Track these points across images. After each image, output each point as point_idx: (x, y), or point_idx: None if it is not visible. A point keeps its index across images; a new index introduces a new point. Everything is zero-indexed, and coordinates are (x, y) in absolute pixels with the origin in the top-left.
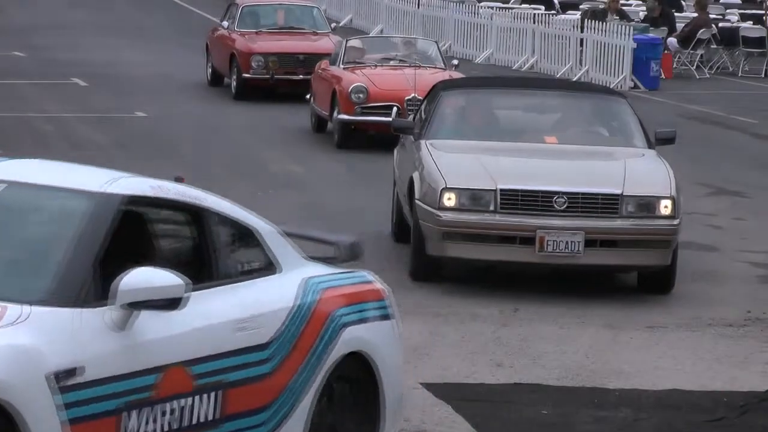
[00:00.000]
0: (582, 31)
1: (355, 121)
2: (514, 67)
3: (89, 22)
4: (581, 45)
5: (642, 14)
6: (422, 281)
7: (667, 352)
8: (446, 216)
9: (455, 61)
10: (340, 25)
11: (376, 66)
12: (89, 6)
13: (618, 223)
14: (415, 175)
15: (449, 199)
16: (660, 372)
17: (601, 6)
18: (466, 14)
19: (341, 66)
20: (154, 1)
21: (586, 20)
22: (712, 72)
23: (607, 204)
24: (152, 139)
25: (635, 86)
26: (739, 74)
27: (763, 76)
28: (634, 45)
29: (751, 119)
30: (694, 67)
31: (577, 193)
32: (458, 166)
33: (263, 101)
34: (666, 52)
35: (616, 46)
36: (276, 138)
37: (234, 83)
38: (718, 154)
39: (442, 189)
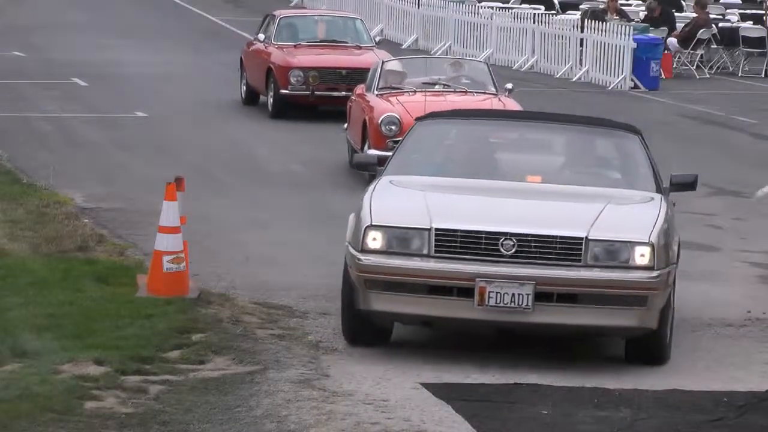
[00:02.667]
0: (582, 31)
1: (386, 157)
2: (514, 67)
3: (89, 22)
4: (581, 45)
5: (642, 14)
6: (362, 346)
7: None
8: (368, 260)
9: (509, 86)
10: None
11: (415, 92)
12: (89, 6)
13: (579, 273)
14: (351, 216)
15: (374, 240)
16: (660, 372)
17: (601, 6)
18: (466, 14)
19: (375, 92)
20: (154, 1)
21: (586, 20)
22: (712, 72)
23: (566, 250)
24: (152, 139)
25: (635, 86)
26: (739, 74)
27: (763, 76)
28: (634, 45)
29: (751, 119)
30: (694, 67)
31: (529, 236)
32: (395, 202)
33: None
34: (666, 52)
35: (616, 46)
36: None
37: (271, 100)
38: (718, 154)
39: (367, 227)
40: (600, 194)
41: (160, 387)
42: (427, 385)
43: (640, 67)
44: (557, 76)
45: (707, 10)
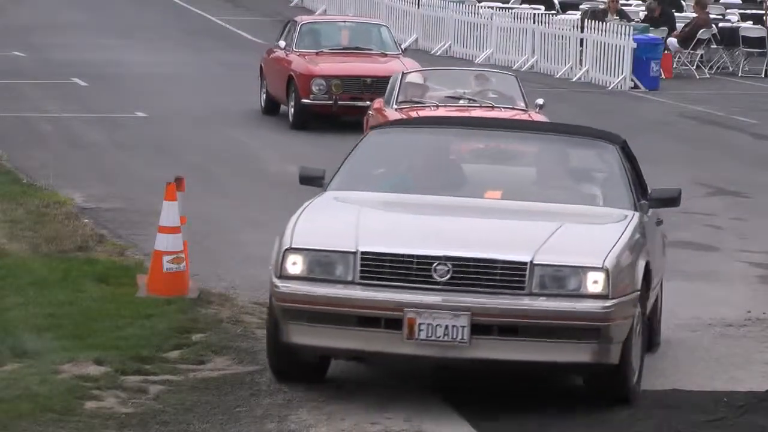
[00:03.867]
0: (582, 31)
1: None
2: (514, 67)
3: (89, 22)
4: (581, 45)
5: (642, 14)
6: (292, 382)
7: (667, 352)
8: (287, 287)
9: (540, 101)
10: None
11: (437, 107)
12: (89, 6)
13: (522, 302)
14: (277, 239)
15: (294, 264)
16: (660, 372)
17: (601, 6)
18: (466, 14)
19: (394, 106)
20: (154, 1)
21: (586, 20)
22: (712, 72)
23: (508, 276)
24: (152, 139)
25: (635, 86)
26: (739, 74)
27: (763, 76)
28: (634, 45)
29: (751, 119)
30: (694, 67)
31: (466, 260)
32: (323, 221)
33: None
34: (666, 52)
35: (616, 46)
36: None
37: (292, 110)
38: (718, 154)
39: (286, 250)
40: (562, 212)
41: (160, 387)
42: (427, 385)
43: (640, 67)
44: (557, 76)
45: (707, 10)
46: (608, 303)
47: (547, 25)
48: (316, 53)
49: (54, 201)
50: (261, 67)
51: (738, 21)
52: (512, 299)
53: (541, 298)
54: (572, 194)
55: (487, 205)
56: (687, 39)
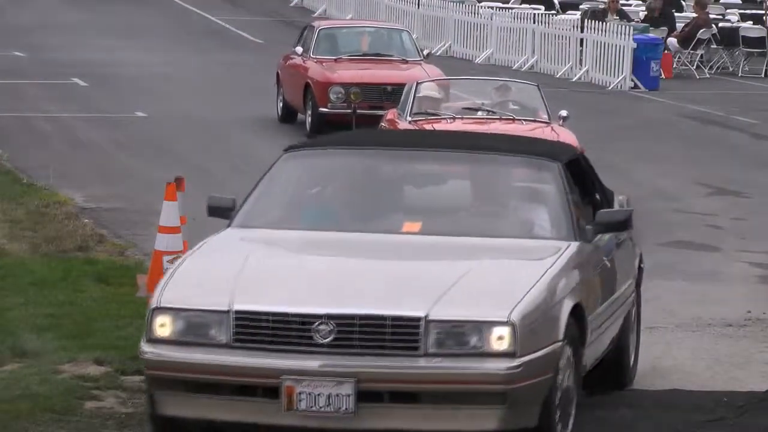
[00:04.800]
0: (582, 31)
1: None
2: (514, 67)
3: (89, 22)
4: (581, 45)
5: (642, 14)
6: None
7: (667, 352)
8: (154, 353)
9: (564, 113)
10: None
11: (453, 119)
12: (89, 6)
13: (416, 364)
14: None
15: (162, 326)
16: (660, 372)
17: (601, 6)
18: (466, 14)
19: (408, 118)
20: (154, 1)
21: (586, 20)
22: (712, 72)
23: (400, 334)
24: (152, 139)
25: (635, 86)
26: (739, 74)
27: (763, 76)
28: (634, 45)
29: (751, 119)
30: (694, 67)
31: (351, 317)
32: (202, 271)
33: None
34: (666, 52)
35: (616, 46)
36: None
37: (309, 119)
38: (718, 154)
39: (154, 309)
40: (484, 248)
41: None
42: None
43: (640, 67)
44: (557, 76)
45: (707, 10)
46: (515, 362)
47: (547, 25)
48: (335, 60)
49: (54, 201)
50: (277, 74)
51: (738, 21)
52: (405, 361)
53: (437, 358)
54: (500, 225)
55: (399, 242)
56: (687, 39)
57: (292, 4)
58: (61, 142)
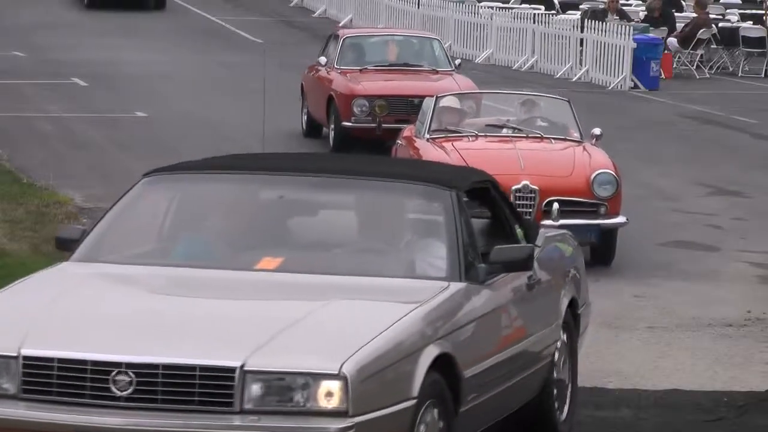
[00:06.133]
0: (582, 31)
1: None
2: (514, 67)
3: (89, 22)
4: (581, 45)
5: (642, 14)
6: None
7: (667, 352)
8: None
9: (597, 131)
10: (340, 25)
11: (476, 137)
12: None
13: (232, 423)
14: None
15: None
16: (660, 372)
17: (601, 6)
18: (466, 14)
19: (426, 135)
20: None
21: (586, 20)
22: (712, 72)
23: (212, 387)
24: (152, 140)
25: (635, 86)
26: (739, 74)
27: (763, 76)
28: (634, 45)
29: (751, 119)
30: (694, 67)
31: (154, 366)
32: (5, 309)
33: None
34: (666, 52)
35: (616, 46)
36: None
37: (332, 133)
38: (718, 154)
39: None
40: (343, 288)
41: None
42: None
43: (640, 67)
44: (557, 76)
45: (707, 10)
46: (347, 422)
47: (547, 25)
48: (360, 70)
49: (54, 201)
50: (301, 85)
51: (738, 21)
52: (216, 419)
53: (254, 416)
54: (373, 261)
55: (247, 280)
56: (687, 39)
57: (292, 4)
58: (61, 142)
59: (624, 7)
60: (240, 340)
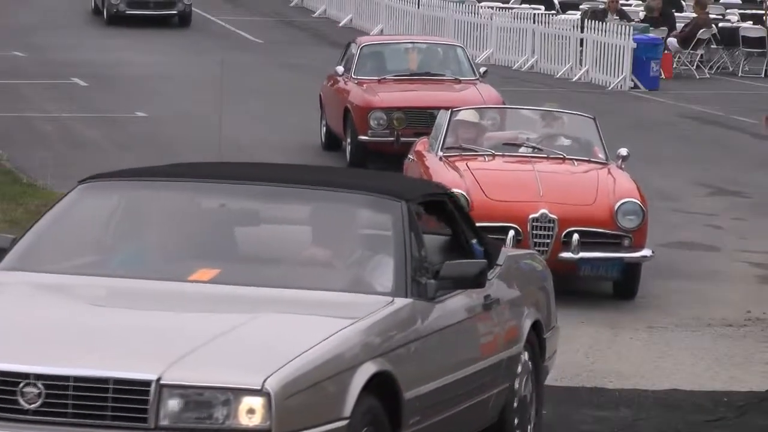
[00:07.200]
0: (582, 31)
1: None
2: (514, 67)
3: (89, 22)
4: (581, 45)
5: (642, 14)
6: None
7: (667, 352)
8: None
9: (624, 152)
10: (340, 25)
11: (493, 156)
12: (89, 6)
13: None
14: None
15: None
16: (660, 372)
17: (601, 6)
18: (466, 14)
19: (440, 152)
20: None
21: (586, 20)
22: (712, 72)
23: (126, 401)
24: (152, 139)
25: (635, 86)
26: (739, 74)
27: (763, 76)
28: (634, 45)
29: (751, 119)
30: (694, 67)
31: (65, 378)
32: None
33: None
34: (666, 52)
35: (616, 46)
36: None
37: (348, 147)
38: (718, 154)
39: None
40: (278, 301)
41: None
42: None
43: (640, 67)
44: (557, 76)
45: (707, 10)
46: None
47: (547, 25)
48: (378, 81)
49: (54, 201)
50: (320, 96)
51: (738, 21)
52: None
53: None
54: (314, 274)
55: (178, 291)
56: (687, 39)
57: (292, 4)
58: (61, 142)
59: (624, 7)
60: (158, 353)
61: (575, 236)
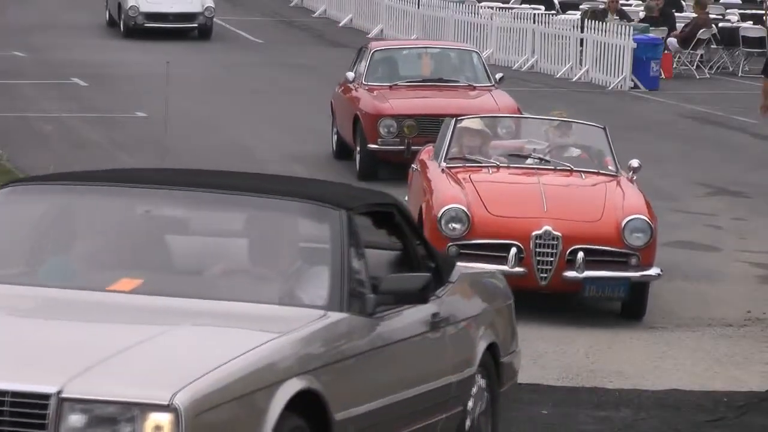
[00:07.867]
0: (582, 31)
1: None
2: (514, 67)
3: (89, 22)
4: (581, 45)
5: (642, 14)
6: None
7: (667, 352)
8: None
9: (635, 163)
10: (340, 25)
11: (498, 168)
12: (89, 6)
13: None
14: None
15: None
16: (660, 372)
17: (601, 6)
18: (466, 14)
19: (443, 163)
20: None
21: (586, 20)
22: (712, 72)
23: (23, 416)
24: (152, 139)
25: (635, 86)
26: (739, 74)
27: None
28: (634, 45)
29: (751, 119)
30: (694, 67)
31: None
32: None
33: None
34: (666, 52)
35: (616, 46)
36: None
37: (358, 156)
38: (718, 154)
39: None
40: (200, 313)
41: None
42: None
43: (640, 67)
44: (557, 76)
45: (707, 10)
46: None
47: (547, 25)
48: (389, 87)
49: None
50: (331, 103)
51: (738, 21)
52: None
53: None
54: (243, 285)
55: (93, 301)
56: (687, 39)
57: (292, 4)
58: (61, 142)
59: (624, 7)
60: (62, 364)
61: (580, 254)
